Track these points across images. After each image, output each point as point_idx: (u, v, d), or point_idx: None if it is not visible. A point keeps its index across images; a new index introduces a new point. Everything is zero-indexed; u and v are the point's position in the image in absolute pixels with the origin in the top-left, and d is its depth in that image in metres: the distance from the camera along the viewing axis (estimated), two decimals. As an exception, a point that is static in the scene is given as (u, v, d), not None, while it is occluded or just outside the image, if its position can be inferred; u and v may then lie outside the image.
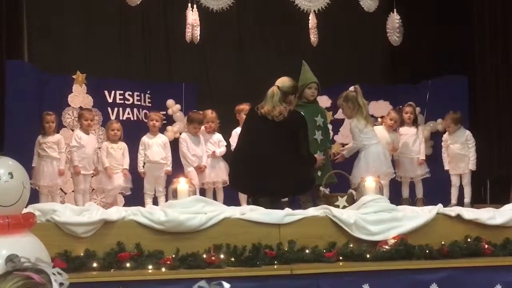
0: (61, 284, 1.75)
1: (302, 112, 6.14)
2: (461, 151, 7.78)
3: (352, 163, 6.66)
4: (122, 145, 7.74)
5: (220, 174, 7.72)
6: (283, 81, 5.84)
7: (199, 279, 3.87)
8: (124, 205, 7.03)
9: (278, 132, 5.60)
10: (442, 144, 8.04)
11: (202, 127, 7.84)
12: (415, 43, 8.94)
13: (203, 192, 7.59)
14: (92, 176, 7.79)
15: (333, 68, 9.11)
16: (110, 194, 7.74)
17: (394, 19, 7.76)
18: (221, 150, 7.79)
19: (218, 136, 7.93)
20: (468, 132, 7.82)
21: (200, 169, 7.67)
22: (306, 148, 5.78)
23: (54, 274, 1.74)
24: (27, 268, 1.70)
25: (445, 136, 8.06)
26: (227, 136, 7.90)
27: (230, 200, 7.06)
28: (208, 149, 7.82)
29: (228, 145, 7.71)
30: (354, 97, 6.60)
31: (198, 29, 7.61)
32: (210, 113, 7.92)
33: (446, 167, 7.91)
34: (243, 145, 5.89)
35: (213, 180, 7.79)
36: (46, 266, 1.72)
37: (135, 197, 7.67)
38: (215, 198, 7.42)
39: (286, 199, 6.40)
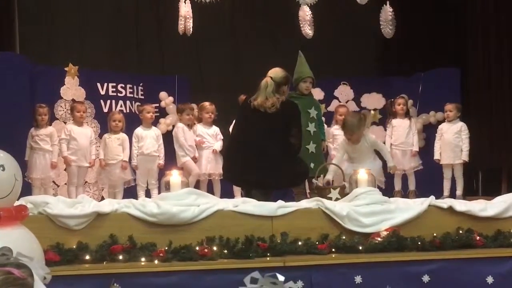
0: (44, 278, 1.74)
1: (295, 104, 6.13)
2: (454, 141, 7.82)
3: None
4: (121, 136, 7.67)
5: (216, 166, 7.70)
6: (276, 72, 5.78)
7: (191, 272, 3.92)
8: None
9: (271, 124, 5.57)
10: (436, 134, 8.05)
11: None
12: (408, 36, 8.94)
13: (198, 184, 7.58)
14: (89, 167, 7.75)
15: (326, 61, 9.09)
16: (111, 187, 7.67)
17: (387, 12, 7.74)
18: (220, 144, 7.80)
19: (215, 129, 7.93)
20: (463, 123, 7.88)
21: (195, 160, 7.67)
22: (297, 137, 5.72)
23: (35, 268, 1.73)
24: (8, 263, 1.69)
25: (441, 125, 8.10)
26: (221, 129, 7.89)
27: (227, 192, 7.08)
28: (207, 141, 7.82)
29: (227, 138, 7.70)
30: None
31: (191, 21, 7.57)
32: (209, 105, 7.93)
33: (437, 157, 7.92)
34: (236, 137, 5.88)
35: (210, 172, 7.78)
36: (27, 260, 1.71)
37: (128, 190, 7.66)
38: (211, 190, 7.40)
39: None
